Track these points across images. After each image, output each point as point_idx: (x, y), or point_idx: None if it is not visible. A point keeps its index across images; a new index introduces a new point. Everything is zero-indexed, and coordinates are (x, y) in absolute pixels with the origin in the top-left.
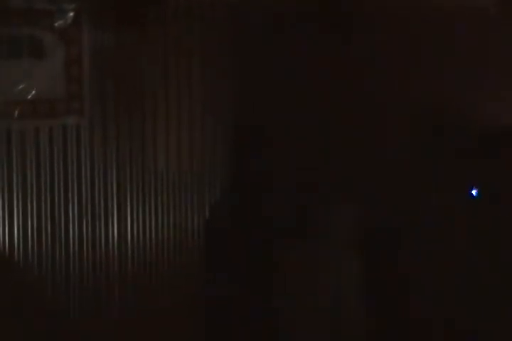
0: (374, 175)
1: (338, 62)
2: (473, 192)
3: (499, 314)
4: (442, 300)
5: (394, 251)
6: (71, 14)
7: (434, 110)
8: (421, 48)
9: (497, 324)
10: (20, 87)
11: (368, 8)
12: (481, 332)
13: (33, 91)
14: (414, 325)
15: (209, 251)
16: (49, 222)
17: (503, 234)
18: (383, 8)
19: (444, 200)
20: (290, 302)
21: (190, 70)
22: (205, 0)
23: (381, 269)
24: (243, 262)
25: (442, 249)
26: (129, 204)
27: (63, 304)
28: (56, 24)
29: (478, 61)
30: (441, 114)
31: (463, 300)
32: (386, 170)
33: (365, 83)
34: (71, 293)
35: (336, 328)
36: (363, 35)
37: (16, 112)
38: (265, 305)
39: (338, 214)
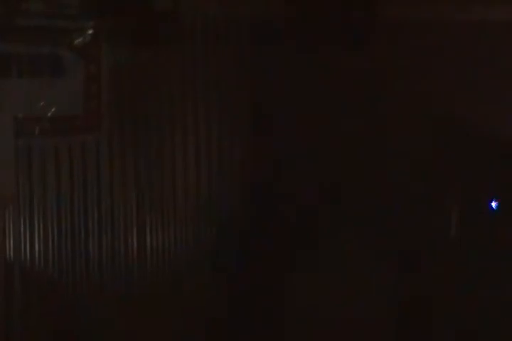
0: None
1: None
2: (493, 204)
3: None
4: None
5: None
6: (90, 32)
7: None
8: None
9: None
10: (41, 104)
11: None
12: None
13: (53, 109)
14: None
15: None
16: (69, 238)
17: None
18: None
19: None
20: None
21: (208, 86)
22: (220, 17)
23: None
24: (254, 275)
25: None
26: (148, 219)
27: (84, 317)
28: (75, 42)
29: (498, 72)
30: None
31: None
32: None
33: (382, 94)
34: (92, 306)
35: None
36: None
37: (37, 129)
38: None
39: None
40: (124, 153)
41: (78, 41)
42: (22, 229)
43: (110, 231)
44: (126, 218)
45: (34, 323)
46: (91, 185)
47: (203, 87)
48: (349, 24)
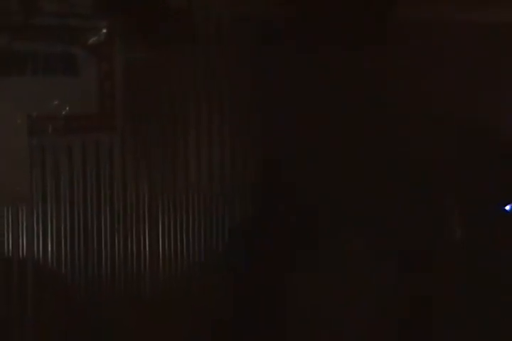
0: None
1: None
2: (508, 207)
3: None
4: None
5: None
6: (104, 31)
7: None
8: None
9: None
10: (54, 103)
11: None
12: None
13: (67, 108)
14: None
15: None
16: (82, 238)
17: None
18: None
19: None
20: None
21: (220, 87)
22: (232, 16)
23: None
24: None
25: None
26: (160, 220)
27: (95, 319)
28: (89, 41)
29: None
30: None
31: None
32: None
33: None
34: (103, 308)
35: None
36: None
37: (50, 128)
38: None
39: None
40: (137, 151)
41: (92, 40)
42: (35, 228)
43: (122, 229)
44: (139, 216)
45: (47, 321)
46: (104, 183)
47: (216, 86)
48: (360, 25)
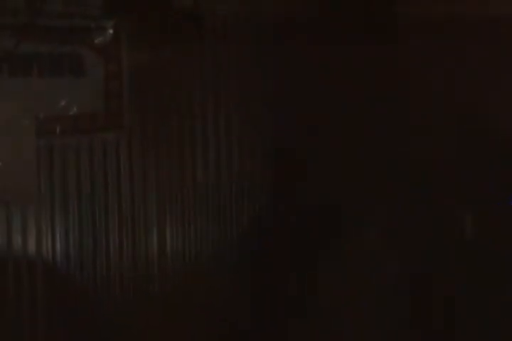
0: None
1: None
2: None
3: None
4: None
5: None
6: (110, 31)
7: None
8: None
9: None
10: (62, 103)
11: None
12: None
13: (74, 108)
14: None
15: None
16: (90, 238)
17: None
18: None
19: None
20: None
21: (228, 86)
22: (241, 18)
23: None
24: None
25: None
26: (168, 217)
27: (104, 317)
28: (96, 41)
29: None
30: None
31: None
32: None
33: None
34: (112, 306)
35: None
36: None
37: (58, 129)
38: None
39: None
40: (145, 151)
41: (99, 40)
42: (44, 228)
43: (131, 229)
44: (147, 216)
45: (57, 321)
46: (112, 183)
47: (224, 85)
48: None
